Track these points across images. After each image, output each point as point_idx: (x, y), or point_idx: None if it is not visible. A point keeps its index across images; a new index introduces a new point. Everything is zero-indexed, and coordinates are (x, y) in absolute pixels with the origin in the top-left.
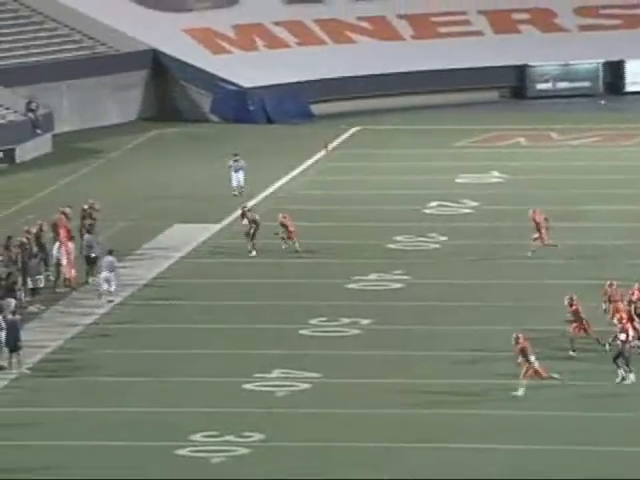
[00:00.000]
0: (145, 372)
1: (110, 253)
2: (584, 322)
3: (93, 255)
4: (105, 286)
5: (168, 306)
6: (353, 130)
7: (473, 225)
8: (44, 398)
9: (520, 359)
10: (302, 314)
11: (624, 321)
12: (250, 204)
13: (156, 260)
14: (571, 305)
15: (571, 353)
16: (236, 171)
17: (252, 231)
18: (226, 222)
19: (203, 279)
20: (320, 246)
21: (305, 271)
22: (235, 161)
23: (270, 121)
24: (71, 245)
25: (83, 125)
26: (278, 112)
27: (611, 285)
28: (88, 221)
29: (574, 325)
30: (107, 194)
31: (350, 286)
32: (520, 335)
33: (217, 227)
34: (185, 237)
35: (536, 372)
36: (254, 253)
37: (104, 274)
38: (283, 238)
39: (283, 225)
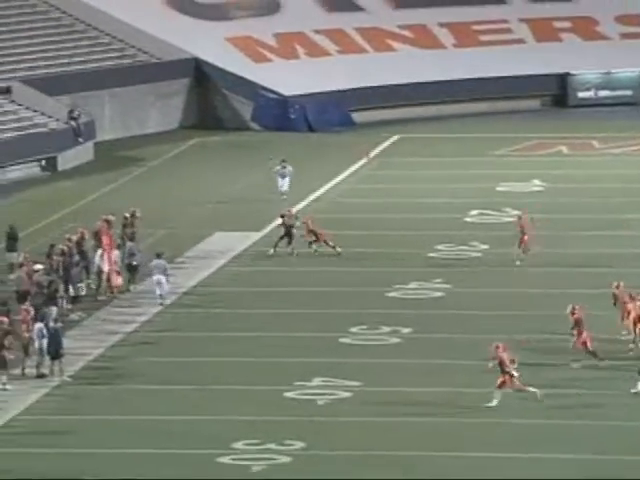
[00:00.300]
0: (186, 380)
1: (159, 256)
2: (584, 333)
3: (135, 263)
4: (158, 290)
5: (209, 314)
6: (394, 138)
7: (514, 234)
8: (85, 406)
9: (495, 366)
10: (343, 322)
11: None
12: (294, 210)
13: (197, 268)
14: (573, 314)
15: (574, 365)
16: (282, 177)
17: (286, 237)
18: (267, 230)
19: (244, 287)
20: (361, 254)
21: (346, 279)
22: (283, 167)
23: (311, 129)
24: (116, 253)
25: (125, 133)
26: (319, 120)
27: (618, 286)
28: (130, 229)
29: (575, 337)
30: (148, 202)
31: (391, 294)
32: (500, 345)
33: (258, 235)
34: (226, 245)
35: (513, 383)
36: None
37: (156, 277)
38: (310, 243)
39: (311, 231)
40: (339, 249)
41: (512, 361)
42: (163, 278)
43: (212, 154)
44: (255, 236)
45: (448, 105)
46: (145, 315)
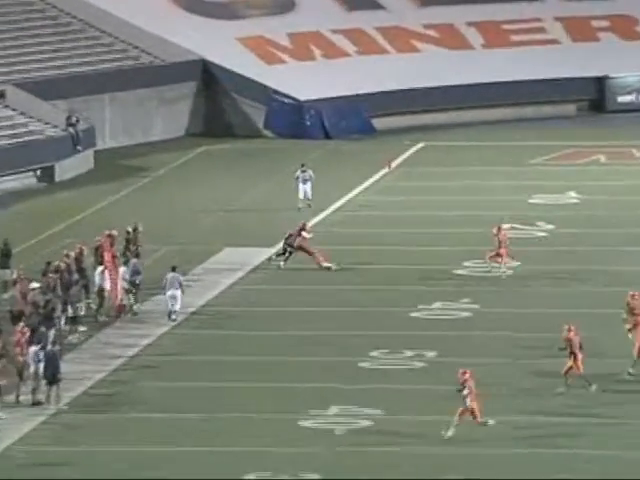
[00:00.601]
0: (192, 408)
1: (174, 269)
2: (577, 355)
3: (138, 282)
4: (170, 305)
5: (217, 336)
6: (418, 146)
7: (548, 250)
8: (83, 436)
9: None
10: (362, 345)
11: None
12: (309, 224)
13: (205, 287)
14: (568, 333)
15: (559, 389)
16: (304, 182)
17: (286, 253)
18: (280, 246)
19: (255, 307)
20: (381, 272)
21: (366, 299)
22: (303, 171)
23: (328, 136)
24: (123, 269)
25: (127, 141)
26: (337, 127)
27: (633, 296)
28: (133, 245)
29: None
30: (152, 215)
31: (414, 315)
32: (467, 372)
33: (270, 251)
34: (236, 262)
35: (472, 413)
36: (282, 264)
37: (171, 292)
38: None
39: (300, 248)
40: (333, 266)
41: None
42: (178, 293)
43: (221, 163)
44: (267, 252)
45: (477, 111)
46: (149, 337)
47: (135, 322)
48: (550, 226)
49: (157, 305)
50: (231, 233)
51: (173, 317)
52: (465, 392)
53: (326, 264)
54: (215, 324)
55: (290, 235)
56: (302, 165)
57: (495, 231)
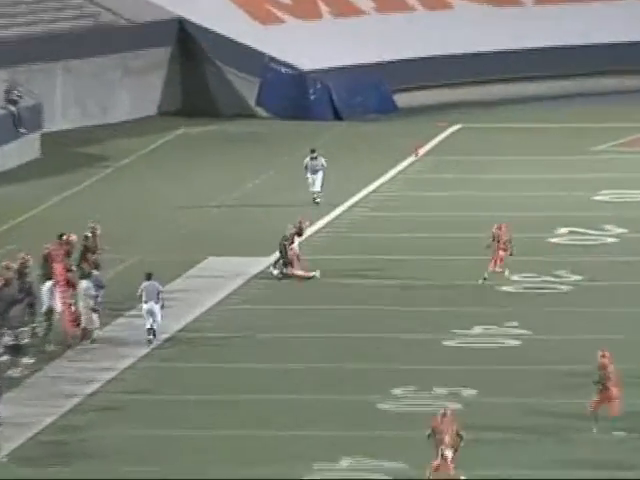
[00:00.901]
0: (161, 459)
1: (149, 277)
2: (609, 387)
3: (100, 299)
4: (148, 322)
5: (195, 370)
6: (452, 129)
7: (618, 260)
8: None
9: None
10: (382, 381)
11: None
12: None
13: (182, 307)
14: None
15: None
16: (313, 172)
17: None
18: (277, 255)
19: (243, 333)
20: (406, 287)
21: (387, 321)
22: (313, 159)
23: (338, 116)
24: (84, 285)
25: (83, 122)
26: (349, 104)
27: None
28: (92, 254)
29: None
30: (115, 216)
31: (447, 343)
32: (448, 411)
33: (265, 261)
34: (222, 275)
35: (447, 468)
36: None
37: (148, 305)
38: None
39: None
40: (317, 274)
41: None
42: (156, 306)
43: (203, 150)
44: (261, 263)
45: (527, 83)
46: (111, 371)
47: (93, 352)
48: (620, 230)
49: (121, 330)
50: (216, 238)
51: (151, 337)
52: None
53: (307, 274)
54: (193, 354)
55: (286, 238)
56: (312, 151)
57: (495, 230)
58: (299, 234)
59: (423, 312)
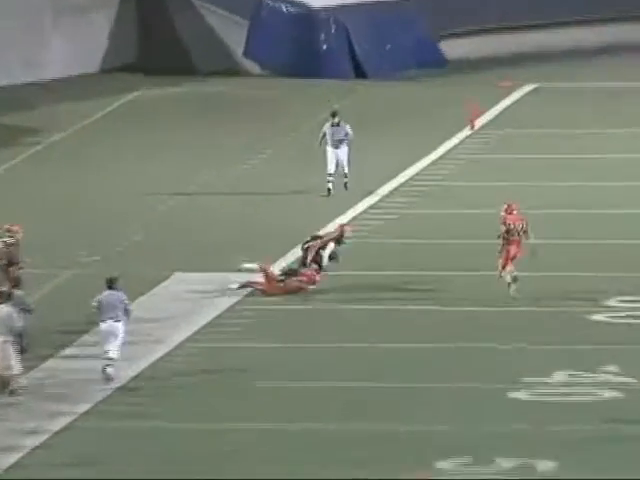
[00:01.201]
0: None
1: (112, 285)
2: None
3: (20, 324)
4: (108, 345)
5: (151, 431)
6: (522, 90)
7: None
8: None
9: None
10: (423, 451)
11: None
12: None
13: (136, 345)
14: None
15: None
16: (335, 145)
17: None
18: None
19: (215, 381)
20: (453, 316)
21: (431, 365)
22: (335, 125)
23: (361, 72)
24: (4, 311)
25: (1, 81)
26: (376, 55)
27: None
28: (13, 265)
29: None
30: (45, 212)
31: (515, 395)
32: None
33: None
34: (191, 300)
35: None
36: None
37: (107, 324)
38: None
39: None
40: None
41: None
42: (119, 326)
43: (167, 121)
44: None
45: (624, 25)
46: (37, 435)
47: (13, 408)
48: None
49: (52, 377)
50: (185, 245)
51: (109, 370)
52: None
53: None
54: (148, 409)
55: (310, 244)
56: (333, 115)
57: (503, 213)
58: (338, 241)
59: (484, 350)
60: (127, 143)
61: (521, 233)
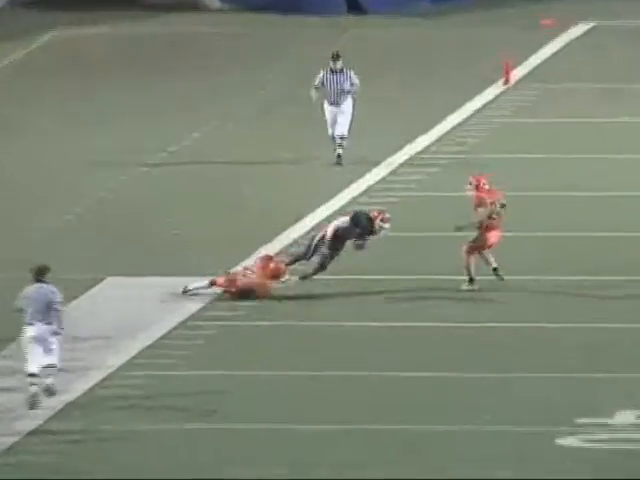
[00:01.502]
0: None
1: (39, 277)
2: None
3: None
4: (37, 360)
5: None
6: (570, 34)
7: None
8: None
9: None
10: None
11: None
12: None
13: (68, 369)
14: None
15: None
16: (335, 100)
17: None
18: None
19: (163, 420)
20: (477, 335)
21: (441, 396)
22: (333, 72)
23: (358, 6)
24: None
25: None
26: None
27: None
28: None
29: None
30: None
31: (560, 442)
32: None
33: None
34: (132, 314)
35: None
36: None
37: (33, 329)
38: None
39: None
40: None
41: None
42: (49, 330)
43: (96, 71)
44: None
45: None
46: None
47: None
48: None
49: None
50: (125, 239)
51: (48, 382)
52: None
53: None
54: (79, 454)
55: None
56: (334, 57)
57: (474, 182)
58: (371, 231)
59: (517, 380)
60: (43, 101)
61: (502, 212)
